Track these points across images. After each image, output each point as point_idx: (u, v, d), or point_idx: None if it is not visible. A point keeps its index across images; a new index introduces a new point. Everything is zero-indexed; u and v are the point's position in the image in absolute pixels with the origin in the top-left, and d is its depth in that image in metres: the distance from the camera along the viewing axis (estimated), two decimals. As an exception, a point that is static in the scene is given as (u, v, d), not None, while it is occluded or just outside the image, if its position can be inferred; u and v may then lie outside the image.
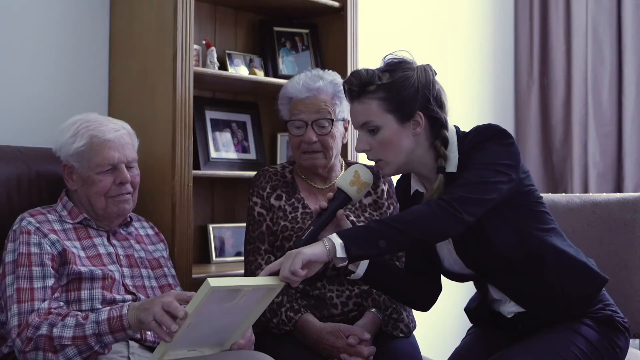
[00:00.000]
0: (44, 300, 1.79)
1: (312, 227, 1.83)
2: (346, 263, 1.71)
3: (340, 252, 1.67)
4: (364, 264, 1.92)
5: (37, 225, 1.89)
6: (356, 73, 1.85)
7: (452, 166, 1.84)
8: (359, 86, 1.83)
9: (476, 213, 1.72)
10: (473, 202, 1.72)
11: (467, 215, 1.71)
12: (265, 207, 2.22)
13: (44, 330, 1.72)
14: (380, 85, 1.81)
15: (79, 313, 1.78)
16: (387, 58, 1.87)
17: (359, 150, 1.89)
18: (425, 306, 2.07)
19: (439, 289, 2.05)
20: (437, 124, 1.84)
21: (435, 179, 1.84)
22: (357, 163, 2.08)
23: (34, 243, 1.86)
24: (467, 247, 1.85)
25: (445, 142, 1.84)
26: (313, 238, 1.82)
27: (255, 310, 1.80)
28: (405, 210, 1.81)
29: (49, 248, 1.86)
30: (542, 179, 4.09)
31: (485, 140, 1.81)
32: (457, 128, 1.90)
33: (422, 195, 1.91)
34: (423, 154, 1.86)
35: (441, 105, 1.84)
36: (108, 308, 1.76)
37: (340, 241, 1.67)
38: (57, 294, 1.83)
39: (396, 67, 1.83)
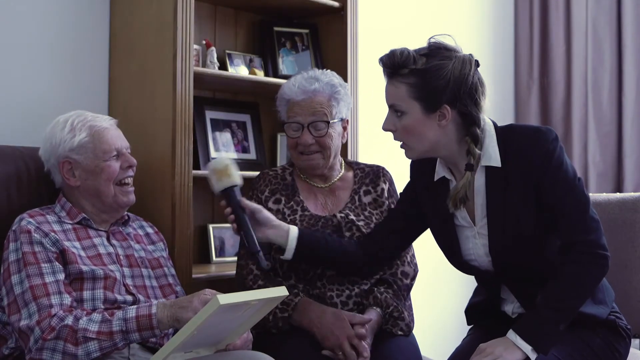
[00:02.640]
0: (60, 294, 1.79)
1: (242, 234, 1.96)
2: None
3: (532, 356, 1.74)
4: (291, 247, 1.99)
5: (37, 225, 1.89)
6: (391, 53, 1.82)
7: (492, 160, 1.83)
8: (391, 67, 1.81)
9: (604, 241, 1.81)
10: (601, 234, 1.80)
11: (605, 251, 1.79)
12: None
13: (68, 321, 1.73)
14: (413, 70, 1.79)
15: (104, 310, 1.79)
16: (431, 40, 1.84)
17: (384, 129, 1.87)
18: (363, 275, 2.15)
19: (386, 265, 2.13)
20: (468, 119, 1.82)
21: (463, 171, 1.83)
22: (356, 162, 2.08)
23: (36, 242, 1.86)
24: (502, 243, 1.85)
25: (475, 139, 1.81)
26: (253, 241, 1.94)
27: (256, 316, 1.81)
28: (561, 279, 1.79)
29: (50, 247, 1.86)
30: (542, 179, 4.09)
31: (546, 142, 1.81)
32: (493, 122, 1.89)
33: (449, 183, 1.90)
34: (451, 146, 1.84)
35: (474, 100, 1.80)
36: (135, 307, 1.79)
37: (529, 347, 1.74)
38: (74, 294, 1.84)
39: (435, 53, 1.80)
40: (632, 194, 2.44)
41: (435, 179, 1.93)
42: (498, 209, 1.84)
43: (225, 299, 1.59)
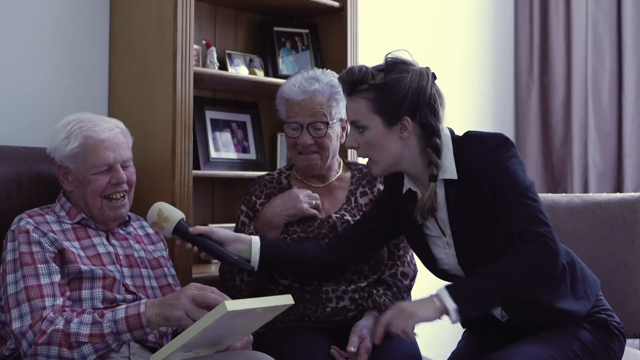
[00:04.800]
0: (54, 296, 1.79)
1: (213, 255, 1.95)
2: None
3: (454, 317, 1.71)
4: (255, 259, 1.96)
5: (36, 225, 1.89)
6: (350, 70, 1.84)
7: (449, 173, 1.83)
8: (350, 84, 1.83)
9: (555, 238, 1.75)
10: (550, 231, 1.74)
11: (556, 245, 1.73)
12: (249, 216, 2.23)
13: (59, 325, 1.73)
14: (372, 85, 1.81)
15: (94, 311, 1.78)
16: (388, 56, 1.86)
17: (347, 147, 1.91)
18: (331, 275, 2.13)
19: (354, 265, 2.12)
20: (429, 131, 1.82)
21: (427, 183, 1.84)
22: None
23: (34, 242, 1.85)
24: (469, 254, 1.84)
25: (436, 150, 1.82)
26: (226, 254, 1.92)
27: (259, 321, 1.81)
28: (505, 261, 1.74)
29: (49, 247, 1.86)
30: (542, 179, 4.09)
31: (493, 150, 1.79)
32: (451, 131, 1.88)
33: (416, 195, 1.90)
34: (413, 158, 1.85)
35: (434, 111, 1.81)
36: (124, 306, 1.77)
37: (455, 305, 1.70)
38: (68, 293, 1.83)
39: (392, 68, 1.82)
40: (632, 194, 2.44)
41: (404, 192, 1.94)
42: (460, 222, 1.83)
43: (232, 305, 1.59)
